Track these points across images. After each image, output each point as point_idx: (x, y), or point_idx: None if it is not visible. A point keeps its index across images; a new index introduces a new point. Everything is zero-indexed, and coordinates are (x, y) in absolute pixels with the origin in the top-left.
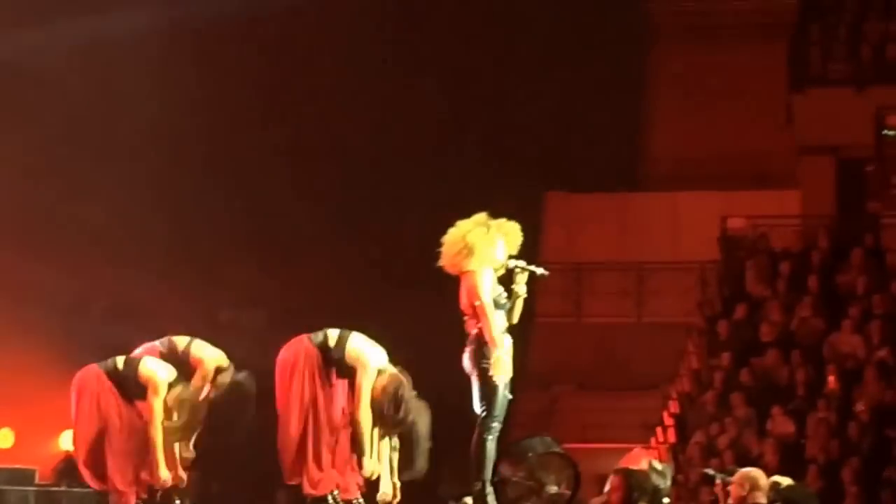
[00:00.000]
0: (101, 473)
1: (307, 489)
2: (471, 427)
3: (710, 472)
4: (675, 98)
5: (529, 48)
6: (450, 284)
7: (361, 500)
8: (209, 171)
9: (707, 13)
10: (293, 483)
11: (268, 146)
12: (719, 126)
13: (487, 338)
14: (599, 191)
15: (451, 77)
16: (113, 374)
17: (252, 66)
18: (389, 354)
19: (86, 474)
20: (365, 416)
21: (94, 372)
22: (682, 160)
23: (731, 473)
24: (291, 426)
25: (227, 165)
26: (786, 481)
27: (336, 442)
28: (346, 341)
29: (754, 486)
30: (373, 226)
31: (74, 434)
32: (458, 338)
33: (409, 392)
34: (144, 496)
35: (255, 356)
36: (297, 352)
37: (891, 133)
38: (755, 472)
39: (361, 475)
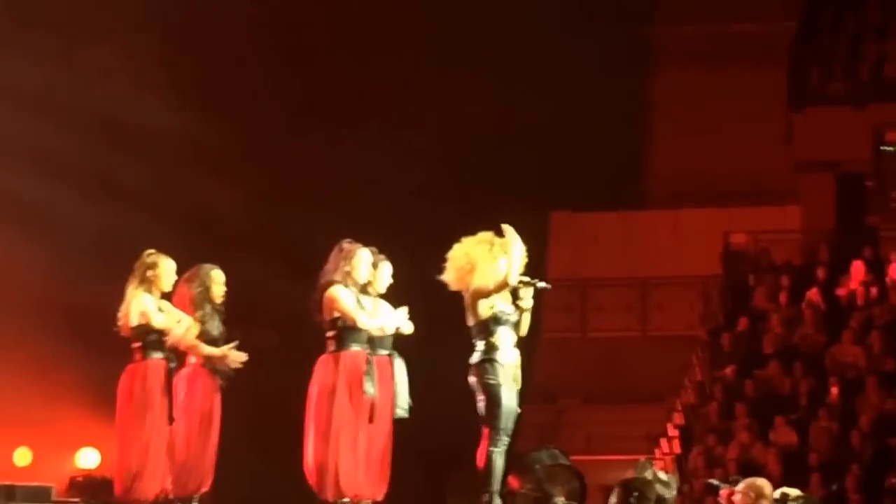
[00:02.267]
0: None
1: None
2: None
3: (715, 482)
4: (677, 117)
5: (533, 68)
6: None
7: None
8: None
9: (708, 35)
10: None
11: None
12: (720, 144)
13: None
14: (603, 209)
15: (455, 96)
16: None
17: None
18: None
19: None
20: None
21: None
22: (684, 178)
23: (735, 483)
24: None
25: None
26: (794, 492)
27: None
28: None
29: (760, 495)
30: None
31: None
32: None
33: None
34: None
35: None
36: None
37: (889, 149)
38: (760, 481)
39: None
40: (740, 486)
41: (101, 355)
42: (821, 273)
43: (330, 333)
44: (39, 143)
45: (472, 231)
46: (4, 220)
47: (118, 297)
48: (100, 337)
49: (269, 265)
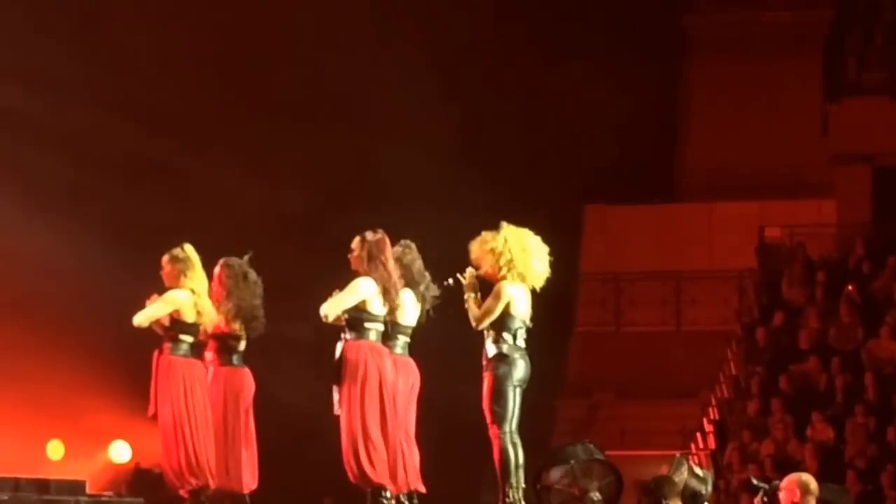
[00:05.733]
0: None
1: None
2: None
3: (756, 481)
4: (712, 109)
5: (568, 59)
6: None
7: None
8: None
9: (742, 24)
10: None
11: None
12: (756, 136)
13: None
14: (638, 202)
15: (490, 89)
16: None
17: None
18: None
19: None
20: None
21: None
22: (718, 171)
23: (776, 487)
24: None
25: None
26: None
27: None
28: None
29: (805, 491)
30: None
31: None
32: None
33: None
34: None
35: None
36: None
37: None
38: (806, 477)
39: None
40: (784, 483)
41: (133, 347)
42: (857, 267)
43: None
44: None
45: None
46: (37, 208)
47: (147, 288)
48: (130, 330)
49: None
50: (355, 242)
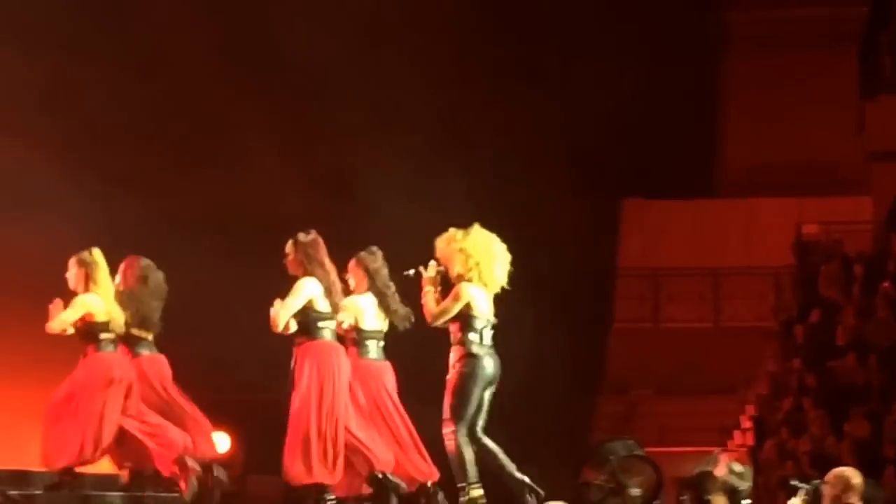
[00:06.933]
0: None
1: None
2: (559, 426)
3: (795, 482)
4: (749, 105)
5: (605, 53)
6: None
7: None
8: None
9: (779, 21)
10: None
11: None
12: (792, 133)
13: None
14: (675, 198)
15: (527, 84)
16: None
17: None
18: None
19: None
20: None
21: None
22: (756, 167)
23: (811, 481)
24: None
25: None
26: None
27: None
28: None
29: (847, 487)
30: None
31: None
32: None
33: None
34: None
35: None
36: None
37: None
38: (849, 472)
39: None
40: (828, 476)
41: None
42: (893, 264)
43: None
44: None
45: (546, 219)
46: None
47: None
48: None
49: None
50: (289, 246)
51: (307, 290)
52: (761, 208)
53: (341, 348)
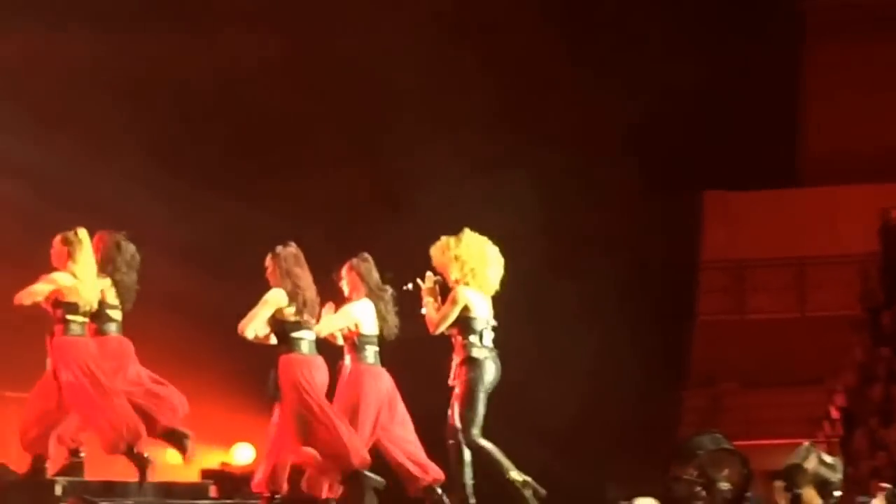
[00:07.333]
0: None
1: None
2: (645, 421)
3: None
4: (832, 92)
5: (687, 48)
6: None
7: None
8: None
9: (861, 7)
10: None
11: None
12: (876, 119)
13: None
14: (758, 188)
15: (601, 79)
16: None
17: None
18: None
19: None
20: None
21: None
22: (839, 154)
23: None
24: None
25: None
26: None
27: None
28: None
29: None
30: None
31: None
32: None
33: None
34: None
35: None
36: None
37: None
38: None
39: None
40: None
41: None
42: None
43: None
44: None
45: (621, 215)
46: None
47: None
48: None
49: None
50: (268, 259)
51: (272, 300)
52: (845, 196)
53: (316, 359)
